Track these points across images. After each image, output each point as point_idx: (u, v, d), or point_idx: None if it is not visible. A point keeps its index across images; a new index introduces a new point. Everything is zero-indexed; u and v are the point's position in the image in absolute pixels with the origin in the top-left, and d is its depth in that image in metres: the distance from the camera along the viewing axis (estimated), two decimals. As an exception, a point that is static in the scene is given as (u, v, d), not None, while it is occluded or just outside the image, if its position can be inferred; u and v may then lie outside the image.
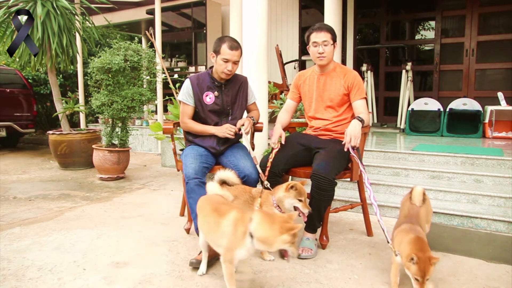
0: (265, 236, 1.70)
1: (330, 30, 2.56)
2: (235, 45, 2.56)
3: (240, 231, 1.75)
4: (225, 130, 2.60)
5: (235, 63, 2.58)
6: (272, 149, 2.54)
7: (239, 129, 2.64)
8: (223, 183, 2.43)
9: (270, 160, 2.46)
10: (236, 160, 2.59)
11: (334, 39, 2.57)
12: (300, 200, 2.14)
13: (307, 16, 7.53)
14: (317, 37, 2.53)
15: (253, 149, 2.95)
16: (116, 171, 4.56)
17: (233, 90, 2.71)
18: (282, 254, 1.77)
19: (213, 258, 2.24)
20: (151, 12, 7.61)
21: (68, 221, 3.06)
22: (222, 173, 2.40)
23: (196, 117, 2.71)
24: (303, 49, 7.19)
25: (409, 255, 1.73)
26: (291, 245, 1.70)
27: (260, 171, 2.45)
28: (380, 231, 2.80)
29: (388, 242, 2.00)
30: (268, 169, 2.46)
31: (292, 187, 2.14)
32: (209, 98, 2.65)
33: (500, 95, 5.25)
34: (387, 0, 6.92)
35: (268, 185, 2.33)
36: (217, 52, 2.57)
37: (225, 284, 2.02)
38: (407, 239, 1.84)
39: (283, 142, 2.58)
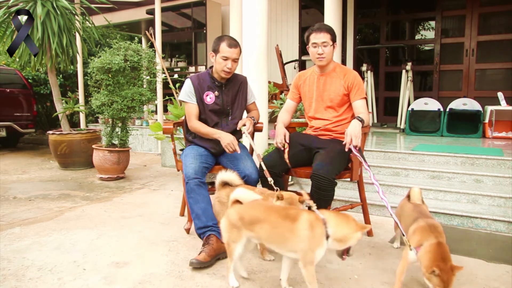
0: (343, 235, 1.76)
1: (329, 30, 2.55)
2: (234, 43, 2.57)
3: (318, 233, 1.77)
4: (226, 145, 2.52)
5: (235, 61, 2.58)
6: (283, 150, 2.54)
7: (240, 129, 2.65)
8: (225, 184, 2.42)
9: (287, 160, 2.46)
10: (236, 160, 2.59)
11: (333, 39, 2.56)
12: None
13: (307, 16, 7.53)
14: (316, 38, 2.53)
15: (252, 149, 2.95)
16: (116, 171, 4.56)
17: (233, 90, 2.72)
18: (342, 253, 1.83)
19: (213, 258, 2.24)
20: (151, 12, 7.61)
21: (68, 221, 3.06)
22: (224, 175, 2.38)
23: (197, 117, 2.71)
24: (303, 49, 7.19)
25: (430, 267, 1.65)
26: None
27: (264, 168, 2.43)
28: (380, 231, 2.81)
29: (403, 235, 1.95)
30: (290, 170, 2.50)
31: (279, 197, 2.11)
32: (210, 98, 2.66)
33: (500, 95, 5.25)
34: (387, 0, 6.92)
35: (272, 182, 2.32)
36: (216, 51, 2.58)
37: (225, 284, 2.03)
38: (427, 245, 1.75)
39: (287, 141, 2.57)
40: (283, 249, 1.85)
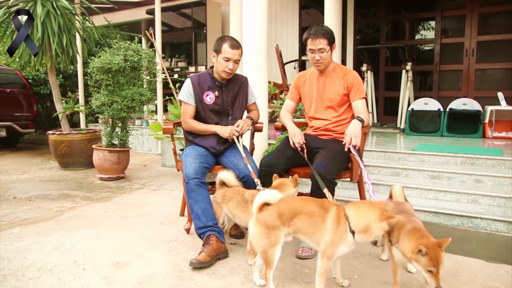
0: (365, 226, 1.72)
1: (326, 35, 2.50)
2: (236, 44, 2.57)
3: (342, 229, 1.76)
4: (230, 133, 2.59)
5: (236, 62, 2.58)
6: (302, 150, 2.50)
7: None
8: (223, 184, 2.45)
9: (308, 161, 2.42)
10: (236, 160, 2.59)
11: (331, 43, 2.53)
12: None
13: (307, 16, 7.53)
14: (313, 44, 2.51)
15: (253, 149, 2.96)
16: (116, 171, 4.56)
17: (233, 90, 2.72)
18: (374, 242, 1.82)
19: (213, 258, 2.24)
20: (151, 12, 7.61)
21: (68, 221, 3.06)
22: (223, 174, 2.44)
23: (197, 117, 2.72)
24: (303, 49, 7.19)
25: (415, 247, 1.58)
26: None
27: (251, 169, 2.46)
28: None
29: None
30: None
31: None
32: (209, 98, 2.66)
33: (500, 95, 5.25)
34: (387, 0, 6.92)
35: (259, 183, 2.34)
36: (218, 51, 2.58)
37: (225, 284, 2.03)
38: (404, 231, 1.73)
39: (303, 141, 2.55)
40: (314, 240, 1.85)
